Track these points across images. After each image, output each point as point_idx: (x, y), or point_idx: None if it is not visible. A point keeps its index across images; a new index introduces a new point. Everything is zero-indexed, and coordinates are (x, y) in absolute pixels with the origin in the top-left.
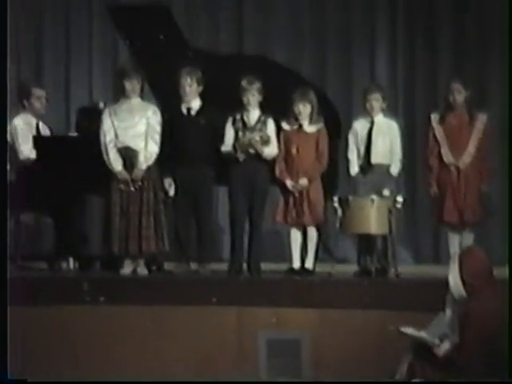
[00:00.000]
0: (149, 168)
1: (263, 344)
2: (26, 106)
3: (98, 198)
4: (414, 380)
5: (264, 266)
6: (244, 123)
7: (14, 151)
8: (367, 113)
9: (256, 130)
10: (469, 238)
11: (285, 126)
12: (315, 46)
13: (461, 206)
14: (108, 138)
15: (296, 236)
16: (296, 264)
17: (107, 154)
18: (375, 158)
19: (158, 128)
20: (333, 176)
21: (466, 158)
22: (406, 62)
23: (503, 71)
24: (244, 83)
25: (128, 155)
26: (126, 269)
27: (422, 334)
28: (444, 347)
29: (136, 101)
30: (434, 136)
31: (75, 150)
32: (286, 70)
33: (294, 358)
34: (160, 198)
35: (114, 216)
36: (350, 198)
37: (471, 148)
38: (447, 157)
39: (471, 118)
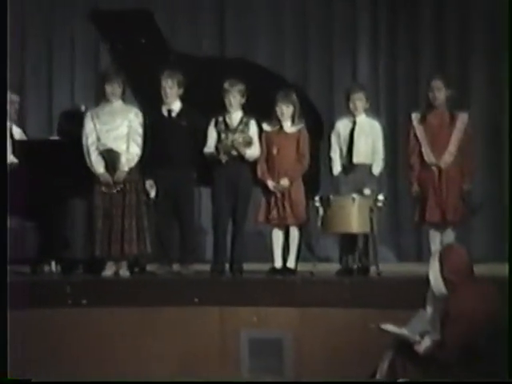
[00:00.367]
0: (131, 170)
1: (245, 343)
2: None
3: (80, 201)
4: (399, 380)
5: (247, 266)
6: (226, 125)
7: None
8: (350, 113)
9: (238, 132)
10: (450, 236)
11: (266, 127)
12: (297, 47)
13: (443, 205)
14: (90, 141)
15: (278, 236)
16: (278, 263)
17: (89, 157)
18: (357, 158)
19: (140, 130)
20: (315, 176)
21: (447, 158)
22: (388, 61)
23: (488, 70)
24: (226, 85)
25: (110, 158)
26: (108, 271)
27: (403, 331)
28: (425, 344)
29: (118, 104)
30: (415, 135)
31: (57, 154)
32: (268, 71)
33: (276, 356)
34: (142, 200)
35: (97, 218)
36: (331, 197)
37: (452, 147)
38: (428, 156)
39: (452, 118)
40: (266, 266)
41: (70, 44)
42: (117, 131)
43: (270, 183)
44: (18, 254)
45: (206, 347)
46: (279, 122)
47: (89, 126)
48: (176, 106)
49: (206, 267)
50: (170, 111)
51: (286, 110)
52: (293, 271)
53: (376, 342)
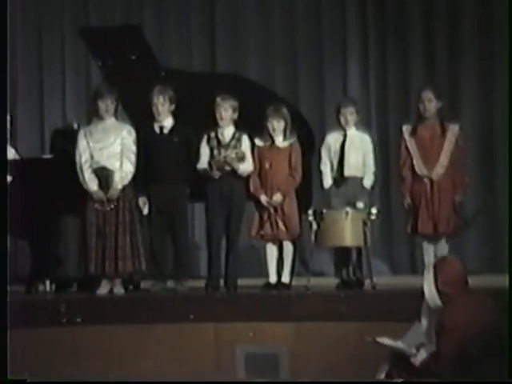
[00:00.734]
0: (124, 187)
1: (241, 359)
2: None
3: (73, 218)
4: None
5: (241, 281)
6: (219, 141)
7: None
8: (340, 126)
9: (231, 148)
10: (444, 248)
11: (258, 142)
12: (287, 62)
13: (435, 217)
14: (83, 159)
15: (272, 251)
16: (272, 278)
17: (82, 175)
18: (348, 171)
19: (134, 148)
20: (307, 190)
21: (439, 170)
22: (378, 75)
23: (479, 81)
24: (218, 99)
25: (104, 175)
26: (103, 289)
27: (399, 344)
28: (421, 356)
29: (111, 121)
30: (407, 148)
31: (50, 172)
32: (259, 86)
33: (272, 371)
34: (136, 217)
35: (90, 236)
36: (324, 211)
37: (443, 159)
38: (420, 169)
39: (443, 129)
40: (260, 281)
41: (60, 62)
42: (110, 149)
43: (263, 198)
44: (11, 274)
45: (202, 363)
46: (271, 137)
47: (82, 143)
48: (168, 122)
49: (201, 283)
50: (161, 128)
51: (277, 125)
52: (287, 286)
53: (372, 355)
